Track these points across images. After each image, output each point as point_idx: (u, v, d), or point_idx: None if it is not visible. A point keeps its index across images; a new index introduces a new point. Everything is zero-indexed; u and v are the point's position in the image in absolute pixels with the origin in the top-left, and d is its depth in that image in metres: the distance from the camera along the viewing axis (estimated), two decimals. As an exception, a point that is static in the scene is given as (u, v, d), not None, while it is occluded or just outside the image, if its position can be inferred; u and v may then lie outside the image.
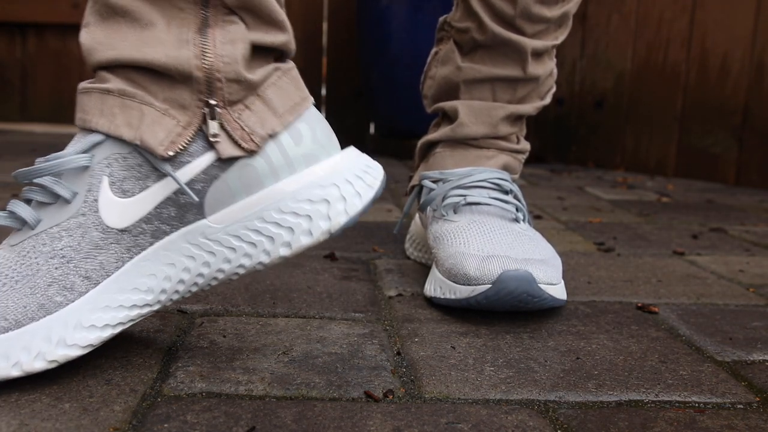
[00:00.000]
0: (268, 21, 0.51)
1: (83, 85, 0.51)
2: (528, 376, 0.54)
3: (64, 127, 2.19)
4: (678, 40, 1.71)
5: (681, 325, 0.67)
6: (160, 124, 0.49)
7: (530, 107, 0.80)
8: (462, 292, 0.65)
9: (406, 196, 0.86)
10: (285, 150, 0.52)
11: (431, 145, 0.82)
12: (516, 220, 0.74)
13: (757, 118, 1.60)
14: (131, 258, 0.51)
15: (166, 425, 0.44)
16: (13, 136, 2.00)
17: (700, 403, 0.51)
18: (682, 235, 1.08)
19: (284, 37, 0.53)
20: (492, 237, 0.69)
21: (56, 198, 0.50)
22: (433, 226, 0.75)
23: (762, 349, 0.62)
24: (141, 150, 0.50)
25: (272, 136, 0.52)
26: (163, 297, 0.52)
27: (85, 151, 0.50)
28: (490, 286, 0.63)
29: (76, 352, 0.49)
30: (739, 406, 0.51)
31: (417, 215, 0.87)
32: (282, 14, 0.52)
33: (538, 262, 0.65)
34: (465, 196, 0.74)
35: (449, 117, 0.80)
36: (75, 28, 2.31)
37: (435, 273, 0.70)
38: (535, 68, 0.77)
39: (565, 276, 0.78)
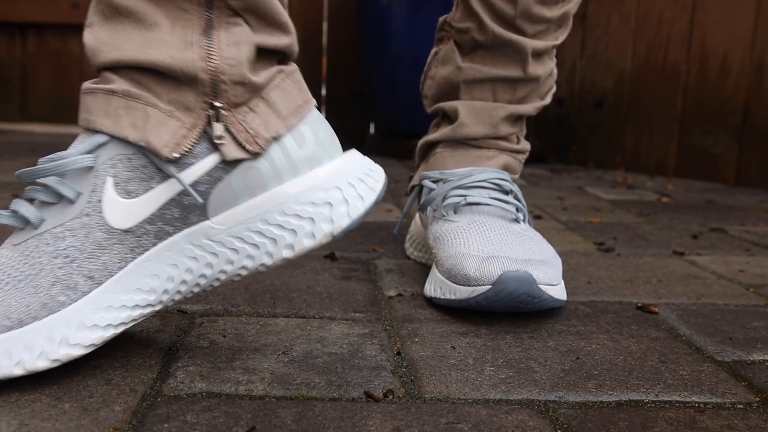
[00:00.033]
0: (273, 23, 0.52)
1: (87, 85, 0.51)
2: (528, 376, 0.54)
3: (64, 127, 2.19)
4: (678, 40, 1.71)
5: (681, 325, 0.67)
6: (164, 125, 0.50)
7: (530, 107, 0.80)
8: (462, 292, 0.65)
9: (407, 196, 0.86)
10: (288, 153, 0.52)
11: (431, 146, 0.83)
12: (516, 220, 0.74)
13: (757, 118, 1.60)
14: (134, 258, 0.51)
15: (166, 425, 0.45)
16: (13, 136, 2.00)
17: (700, 403, 0.51)
18: (682, 235, 1.08)
19: (288, 40, 0.53)
20: (492, 237, 0.69)
21: (60, 198, 0.50)
22: (434, 227, 0.75)
23: (762, 349, 0.62)
24: (145, 151, 0.50)
25: (276, 138, 0.52)
26: (165, 297, 0.52)
27: (89, 152, 0.50)
28: (490, 287, 0.63)
29: (78, 352, 0.49)
30: (739, 406, 0.51)
31: (417, 215, 0.87)
32: (285, 16, 0.52)
33: (538, 262, 0.65)
34: (465, 196, 0.74)
35: (449, 117, 0.81)
36: (75, 28, 2.32)
37: (435, 273, 0.70)
38: (535, 68, 0.77)
39: (565, 276, 0.78)
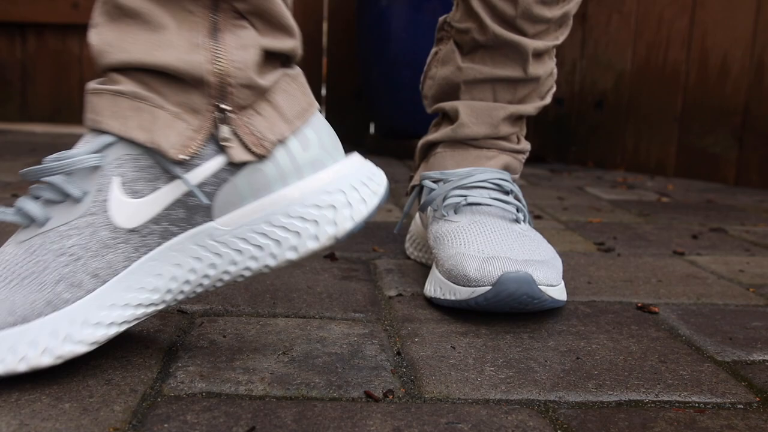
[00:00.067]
0: (278, 26, 0.52)
1: (93, 85, 0.51)
2: (528, 376, 0.54)
3: (64, 127, 2.19)
4: (678, 40, 1.71)
5: (681, 325, 0.67)
6: (172, 127, 0.50)
7: (531, 107, 0.80)
8: (462, 293, 0.65)
9: (407, 196, 0.86)
10: (293, 155, 0.52)
11: (432, 146, 0.83)
12: (516, 220, 0.74)
13: (757, 118, 1.60)
14: (139, 258, 0.51)
15: (166, 425, 0.45)
16: (13, 136, 2.00)
17: (700, 403, 0.51)
18: (682, 235, 1.08)
19: (293, 43, 0.53)
20: (492, 238, 0.69)
21: (66, 197, 0.50)
22: (434, 227, 0.75)
23: (762, 349, 0.62)
24: (152, 152, 0.50)
25: (281, 141, 0.52)
26: (168, 297, 0.52)
27: (96, 152, 0.50)
28: (490, 287, 0.63)
29: (82, 349, 0.49)
30: (739, 406, 0.51)
31: (417, 215, 0.87)
32: (290, 19, 0.52)
33: (538, 263, 0.65)
34: (466, 196, 0.74)
35: (450, 117, 0.81)
36: (75, 28, 2.32)
37: (435, 273, 0.70)
38: (535, 68, 0.77)
39: (565, 276, 0.78)
